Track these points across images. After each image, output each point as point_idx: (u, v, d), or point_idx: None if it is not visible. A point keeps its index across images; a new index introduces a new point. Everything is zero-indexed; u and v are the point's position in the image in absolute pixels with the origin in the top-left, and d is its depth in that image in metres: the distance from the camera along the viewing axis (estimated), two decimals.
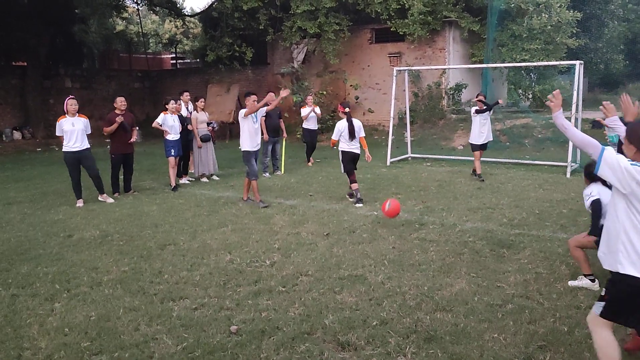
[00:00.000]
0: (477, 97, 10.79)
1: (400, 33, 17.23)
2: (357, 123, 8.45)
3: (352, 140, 8.33)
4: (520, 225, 7.00)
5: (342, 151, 8.47)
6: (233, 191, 9.78)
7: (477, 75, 18.07)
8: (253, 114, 8.45)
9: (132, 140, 9.65)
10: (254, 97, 8.55)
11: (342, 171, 8.65)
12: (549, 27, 17.15)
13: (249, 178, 8.56)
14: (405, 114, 14.25)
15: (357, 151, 8.47)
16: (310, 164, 12.92)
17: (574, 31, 19.14)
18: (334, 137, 8.43)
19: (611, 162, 2.87)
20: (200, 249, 6.23)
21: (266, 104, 8.54)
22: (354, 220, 7.37)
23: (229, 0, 18.73)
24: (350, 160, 8.44)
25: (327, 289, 4.91)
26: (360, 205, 8.27)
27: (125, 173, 9.86)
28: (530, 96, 18.86)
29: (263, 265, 5.65)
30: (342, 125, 8.30)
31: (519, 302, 4.51)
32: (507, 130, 15.68)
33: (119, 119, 9.25)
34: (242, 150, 8.62)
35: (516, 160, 12.49)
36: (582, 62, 11.41)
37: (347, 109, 8.40)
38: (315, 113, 12.91)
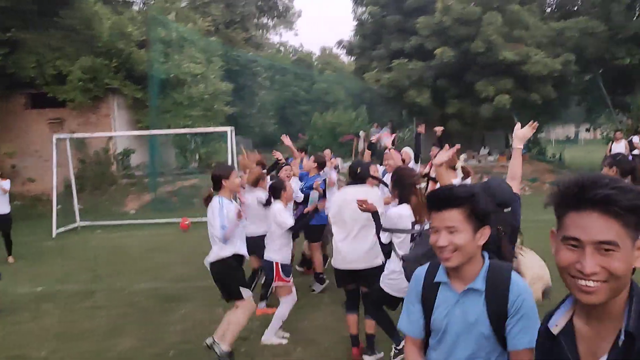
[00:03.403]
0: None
1: (60, 99, 16.65)
2: None
3: None
4: (187, 279, 7.64)
5: None
6: None
7: (145, 140, 18.61)
8: None
9: None
10: None
11: None
12: (207, 96, 19.04)
13: None
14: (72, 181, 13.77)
15: None
16: None
17: (229, 99, 21.64)
18: None
19: None
20: None
21: None
22: (16, 300, 6.89)
23: None
24: None
25: None
26: None
27: None
28: (197, 158, 20.31)
29: None
30: None
31: (180, 347, 5.04)
32: (177, 191, 16.53)
33: None
34: None
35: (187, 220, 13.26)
36: (232, 128, 13.07)
37: None
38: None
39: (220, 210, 4.42)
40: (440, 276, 1.99)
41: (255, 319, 5.70)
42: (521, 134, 3.57)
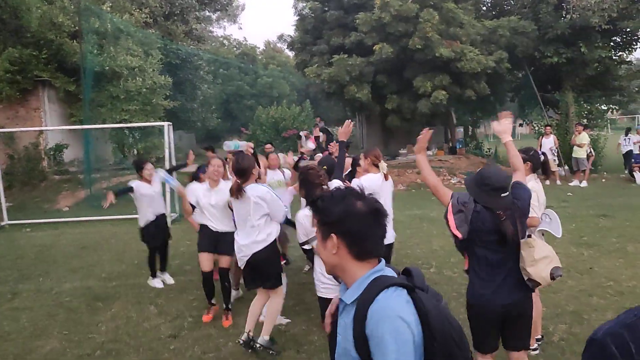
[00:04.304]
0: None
1: None
2: None
3: None
4: (118, 277, 7.45)
5: None
6: None
7: (79, 134, 17.94)
8: None
9: None
10: None
11: None
12: (145, 89, 18.50)
13: None
14: None
15: None
16: None
17: (169, 93, 21.13)
18: None
19: None
20: None
21: None
22: None
23: None
24: None
25: None
26: None
27: None
28: (135, 153, 19.75)
29: None
30: None
31: (108, 347, 4.92)
32: (113, 187, 16.02)
33: None
34: None
35: (123, 216, 12.83)
36: (170, 123, 12.80)
37: None
38: None
39: (276, 194, 4.58)
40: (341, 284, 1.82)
41: (188, 315, 5.66)
42: (500, 128, 3.59)
